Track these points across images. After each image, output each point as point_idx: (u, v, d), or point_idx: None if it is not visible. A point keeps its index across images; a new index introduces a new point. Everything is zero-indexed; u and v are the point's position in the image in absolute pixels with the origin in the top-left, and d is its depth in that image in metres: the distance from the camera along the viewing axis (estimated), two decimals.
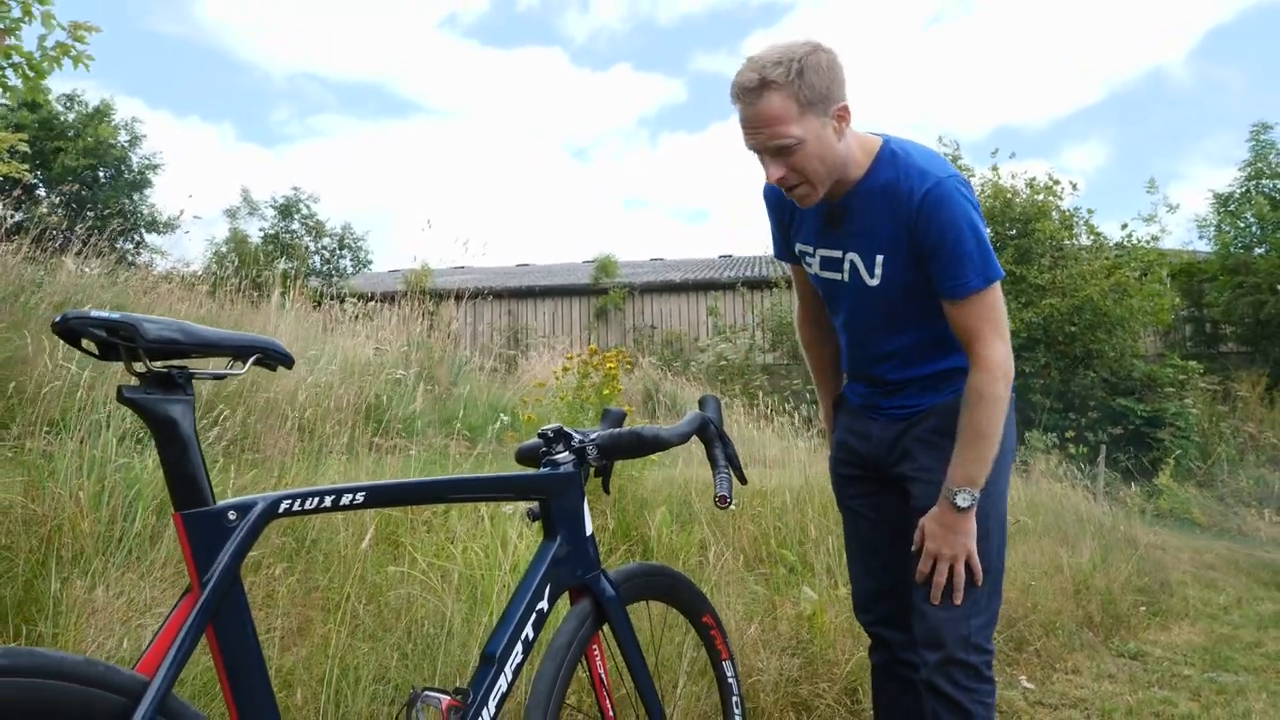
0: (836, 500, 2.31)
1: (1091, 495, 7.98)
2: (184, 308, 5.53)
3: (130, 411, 1.10)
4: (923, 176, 1.84)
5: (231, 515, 1.22)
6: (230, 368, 1.28)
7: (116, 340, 1.15)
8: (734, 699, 2.12)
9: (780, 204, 2.09)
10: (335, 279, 18.20)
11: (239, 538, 1.22)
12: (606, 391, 3.99)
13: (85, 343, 1.18)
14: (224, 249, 18.39)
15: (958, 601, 1.91)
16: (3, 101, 5.27)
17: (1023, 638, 4.39)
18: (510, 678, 1.54)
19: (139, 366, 1.17)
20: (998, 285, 1.87)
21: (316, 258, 19.31)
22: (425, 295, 8.48)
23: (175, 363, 1.20)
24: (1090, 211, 15.34)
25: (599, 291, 19.73)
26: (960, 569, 1.90)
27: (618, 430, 1.77)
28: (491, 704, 1.50)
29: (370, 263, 20.62)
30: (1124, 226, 16.09)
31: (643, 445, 1.75)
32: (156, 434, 1.18)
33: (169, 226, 19.55)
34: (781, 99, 1.73)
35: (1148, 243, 15.66)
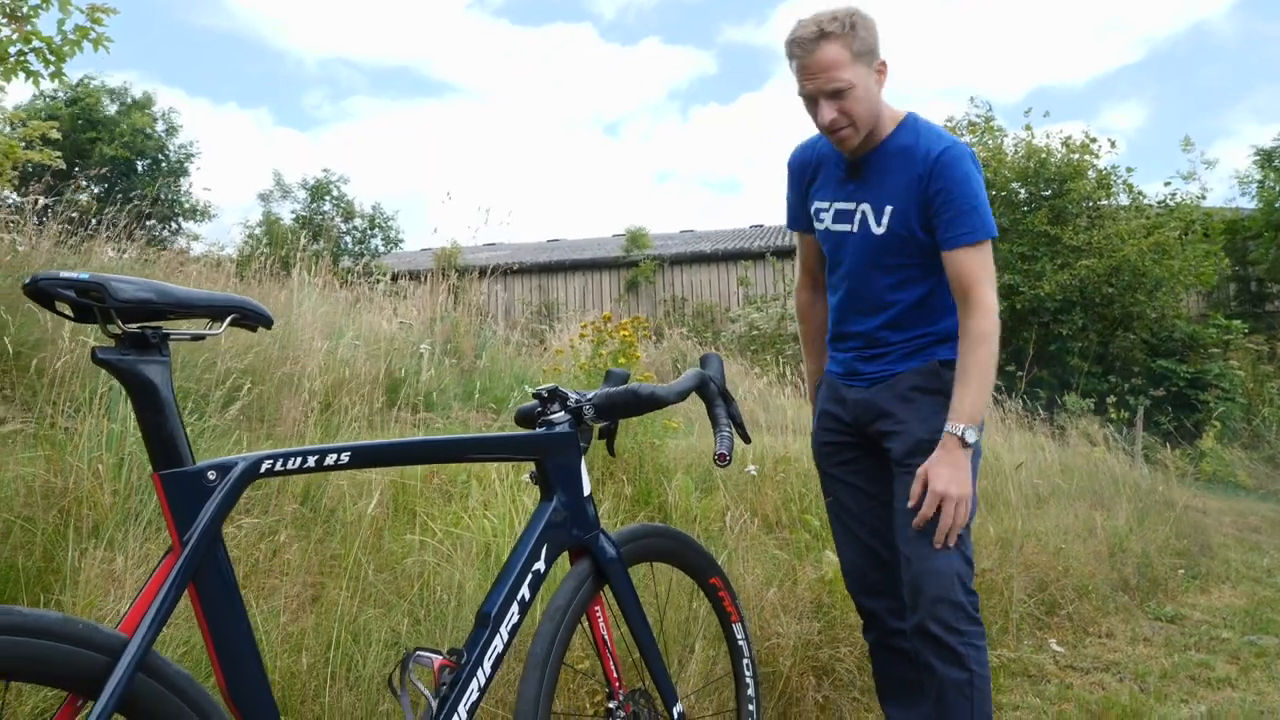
0: (819, 472, 2.42)
1: (1129, 458, 7.84)
2: (209, 286, 5.58)
3: None
4: (940, 139, 2.09)
5: (211, 475, 1.22)
6: (209, 329, 1.27)
7: (88, 301, 1.14)
8: (745, 661, 2.10)
9: (804, 168, 2.31)
10: (367, 258, 18.34)
11: (219, 497, 1.21)
12: (622, 360, 3.96)
13: (59, 305, 1.17)
14: (257, 231, 18.64)
15: (952, 543, 1.99)
16: (40, 89, 5.34)
17: (1054, 601, 4.33)
18: (506, 638, 1.54)
19: (114, 328, 1.17)
20: (990, 243, 2.07)
21: (348, 238, 19.49)
22: (455, 271, 8.49)
23: (151, 324, 1.19)
24: (1129, 170, 15.02)
25: (629, 264, 19.68)
26: (965, 509, 1.96)
27: (614, 389, 1.75)
28: (486, 664, 1.49)
29: (401, 242, 20.77)
30: (1167, 184, 15.74)
31: (639, 403, 1.73)
32: (132, 395, 1.18)
33: (203, 214, 19.89)
34: (837, 48, 1.97)
35: (1195, 201, 15.27)
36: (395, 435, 3.85)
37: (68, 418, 2.93)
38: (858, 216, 2.17)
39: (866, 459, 2.27)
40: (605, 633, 1.78)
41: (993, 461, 5.83)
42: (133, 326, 1.17)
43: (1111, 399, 11.09)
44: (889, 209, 2.11)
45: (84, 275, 1.13)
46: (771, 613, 2.98)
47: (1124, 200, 14.51)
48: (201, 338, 1.28)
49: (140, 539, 2.38)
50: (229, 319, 1.26)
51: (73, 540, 2.26)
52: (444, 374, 5.75)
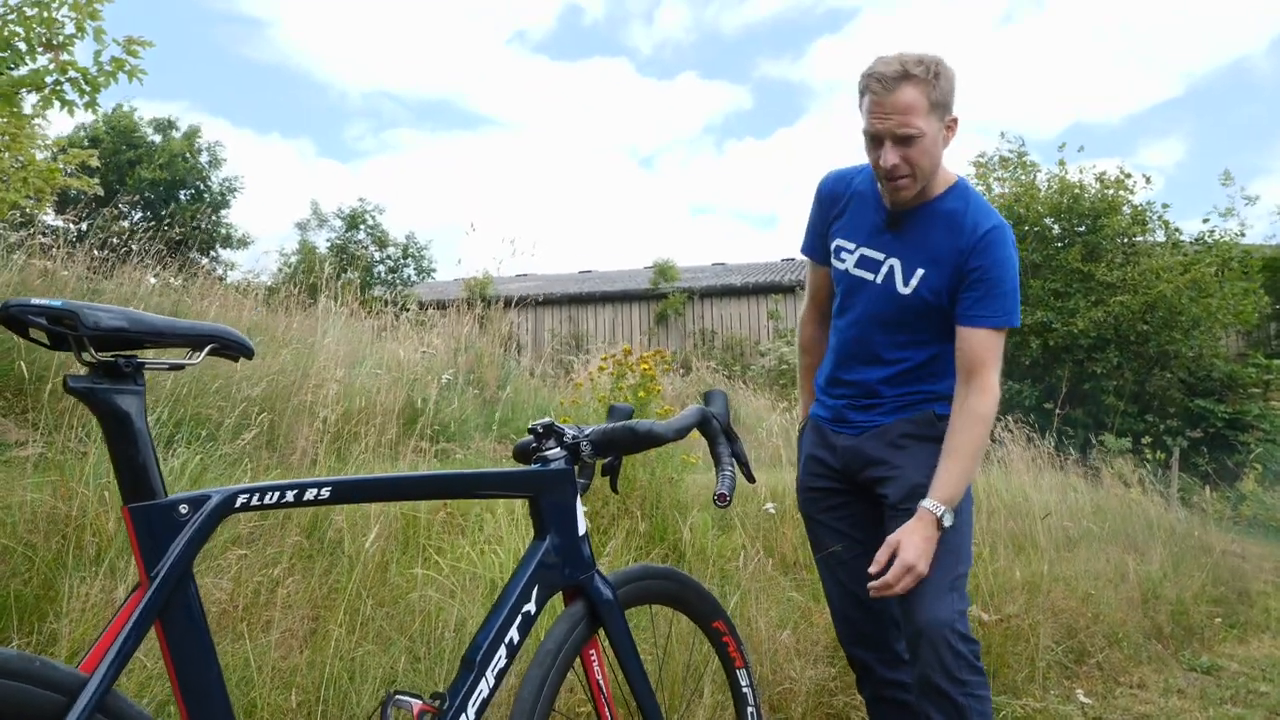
0: (804, 518, 2.36)
1: (1164, 500, 7.63)
2: (232, 314, 5.63)
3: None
4: (989, 216, 2.05)
5: (183, 509, 1.18)
6: (188, 358, 1.25)
7: (61, 329, 1.12)
8: (749, 709, 2.02)
9: (834, 199, 2.23)
10: (399, 288, 18.48)
11: (190, 532, 1.18)
12: (642, 394, 3.92)
13: (34, 333, 1.15)
14: (293, 260, 18.89)
15: (889, 592, 1.94)
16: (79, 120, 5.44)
17: (1083, 649, 4.18)
18: (492, 683, 1.48)
19: (87, 356, 1.14)
20: (1005, 335, 2.05)
21: (381, 267, 19.65)
22: (484, 302, 8.49)
23: (125, 353, 1.17)
24: (1165, 206, 14.72)
25: (659, 296, 19.67)
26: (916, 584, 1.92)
27: (611, 425, 1.70)
28: (471, 710, 1.44)
29: (434, 271, 20.90)
30: (1205, 220, 15.48)
31: (636, 440, 1.68)
32: (104, 425, 1.15)
33: (242, 243, 20.29)
34: (917, 93, 1.91)
35: (1233, 238, 14.98)
36: (411, 465, 3.82)
37: (80, 442, 2.93)
38: (884, 269, 2.11)
39: (855, 505, 2.22)
40: (600, 678, 1.71)
41: (1021, 503, 5.69)
42: (105, 355, 1.15)
43: (1147, 439, 10.83)
44: (920, 272, 2.06)
45: (56, 302, 1.11)
46: (785, 656, 2.90)
47: (1160, 237, 14.29)
48: (180, 367, 1.25)
49: None
50: (207, 348, 1.24)
51: (73, 567, 2.24)
52: (465, 404, 5.73)
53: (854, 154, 2.13)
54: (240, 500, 1.24)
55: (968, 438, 1.95)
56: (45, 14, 4.44)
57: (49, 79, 4.68)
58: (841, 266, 2.19)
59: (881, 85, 1.92)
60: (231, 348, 1.26)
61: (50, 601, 2.18)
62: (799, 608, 3.25)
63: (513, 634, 1.52)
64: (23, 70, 4.67)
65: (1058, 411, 9.25)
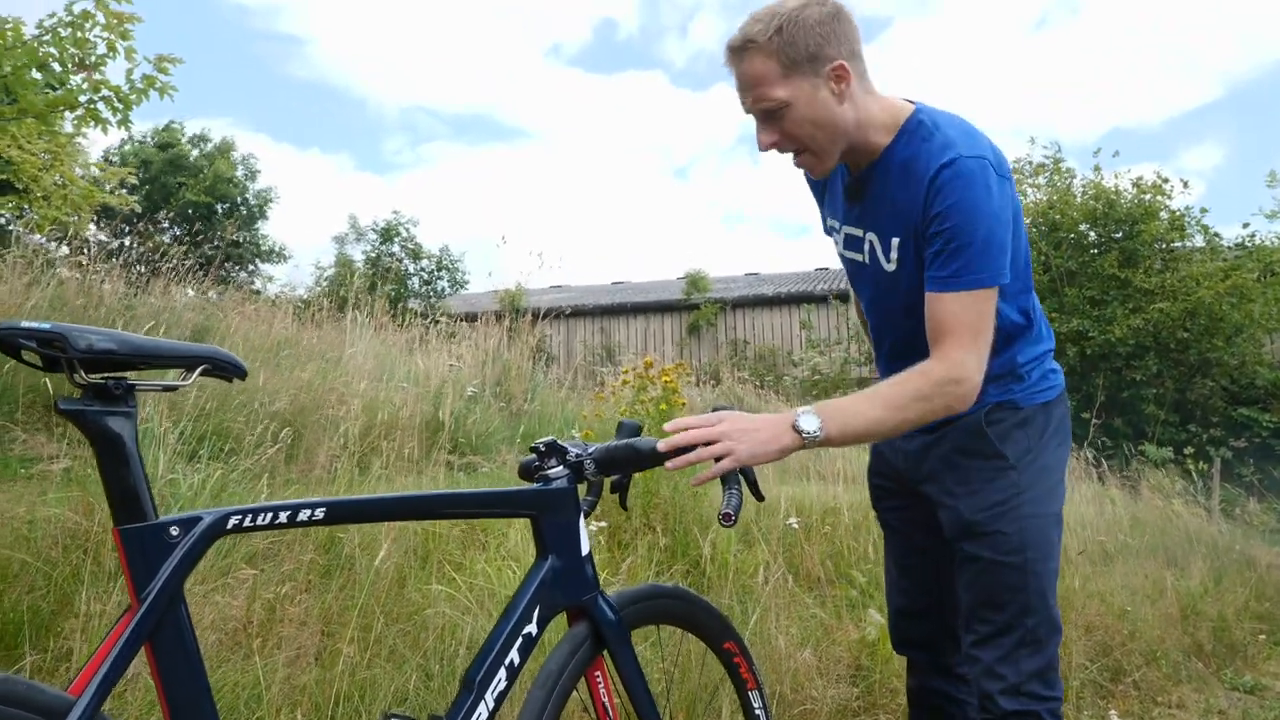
0: (875, 512, 2.20)
1: (1205, 512, 7.44)
2: (262, 328, 5.69)
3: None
4: (944, 149, 1.64)
5: (174, 531, 1.18)
6: (181, 379, 1.24)
7: (52, 352, 1.12)
8: None
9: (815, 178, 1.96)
10: (433, 300, 18.62)
11: (180, 554, 1.17)
12: (664, 406, 3.89)
13: (26, 355, 1.15)
14: (330, 273, 19.13)
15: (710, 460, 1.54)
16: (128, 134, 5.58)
17: (1119, 667, 4.07)
18: (492, 705, 1.46)
19: (78, 379, 1.14)
20: (992, 292, 1.63)
21: (415, 279, 19.81)
22: (517, 314, 8.51)
23: (115, 375, 1.17)
24: (1204, 211, 14.42)
25: (691, 307, 19.64)
26: (727, 464, 1.55)
27: (615, 443, 1.68)
28: None
29: (467, 284, 21.06)
30: (1245, 225, 15.16)
31: (639, 459, 1.65)
32: (95, 447, 1.15)
33: (280, 256, 20.61)
34: (762, 58, 1.61)
35: (1275, 242, 14.66)
36: (432, 479, 3.82)
37: None
38: (866, 246, 1.83)
39: (913, 509, 2.02)
40: (607, 700, 1.69)
41: None
42: (96, 377, 1.15)
43: (1189, 449, 10.58)
44: (896, 241, 1.75)
45: (45, 325, 1.11)
46: (806, 675, 2.85)
47: (1199, 242, 14.00)
48: (173, 389, 1.25)
49: None
50: (199, 370, 1.23)
51: (90, 583, 2.26)
52: (491, 417, 5.73)
53: None
54: (233, 522, 1.23)
55: (898, 388, 1.59)
56: (78, 34, 4.54)
57: (83, 98, 4.78)
58: (837, 250, 1.95)
59: (730, 59, 1.66)
60: (224, 369, 1.25)
61: (66, 618, 2.19)
62: (821, 625, 3.20)
63: (513, 655, 1.50)
64: (59, 90, 4.77)
65: (1095, 421, 9.09)
